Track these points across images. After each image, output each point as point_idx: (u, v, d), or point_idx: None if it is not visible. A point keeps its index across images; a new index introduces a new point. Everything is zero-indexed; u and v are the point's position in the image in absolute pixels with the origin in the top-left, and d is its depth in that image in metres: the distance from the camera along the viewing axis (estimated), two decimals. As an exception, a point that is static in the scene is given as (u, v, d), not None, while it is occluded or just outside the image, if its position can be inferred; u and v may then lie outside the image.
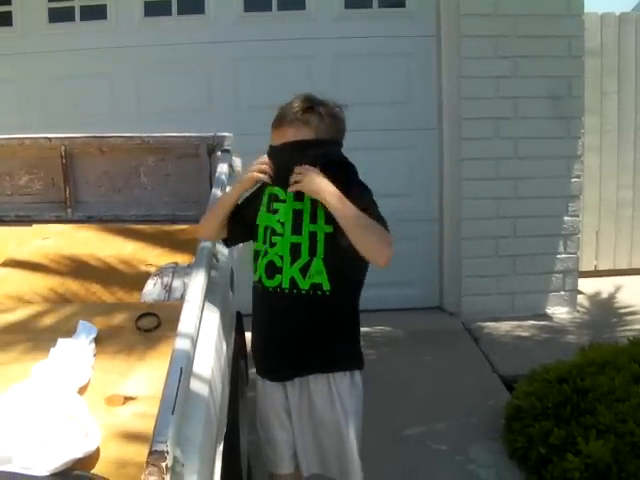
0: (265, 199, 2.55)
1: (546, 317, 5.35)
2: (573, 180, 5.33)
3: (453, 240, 5.42)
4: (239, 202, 2.62)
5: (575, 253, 5.43)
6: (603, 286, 5.92)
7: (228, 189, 3.07)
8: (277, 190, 2.50)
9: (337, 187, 2.36)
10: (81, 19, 5.22)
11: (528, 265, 5.35)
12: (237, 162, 3.81)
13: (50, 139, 3.95)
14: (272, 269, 2.48)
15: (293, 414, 2.58)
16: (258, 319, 2.60)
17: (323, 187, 2.36)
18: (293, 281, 2.45)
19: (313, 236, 2.43)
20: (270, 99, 4.90)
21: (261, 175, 2.50)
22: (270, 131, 2.53)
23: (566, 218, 5.35)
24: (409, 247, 5.37)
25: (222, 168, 3.38)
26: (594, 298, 5.76)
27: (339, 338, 2.56)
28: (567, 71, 5.20)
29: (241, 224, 2.62)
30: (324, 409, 2.54)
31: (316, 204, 2.42)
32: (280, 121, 2.50)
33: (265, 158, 2.52)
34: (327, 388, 2.53)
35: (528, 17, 5.11)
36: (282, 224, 2.47)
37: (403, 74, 5.37)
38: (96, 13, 5.20)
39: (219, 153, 3.72)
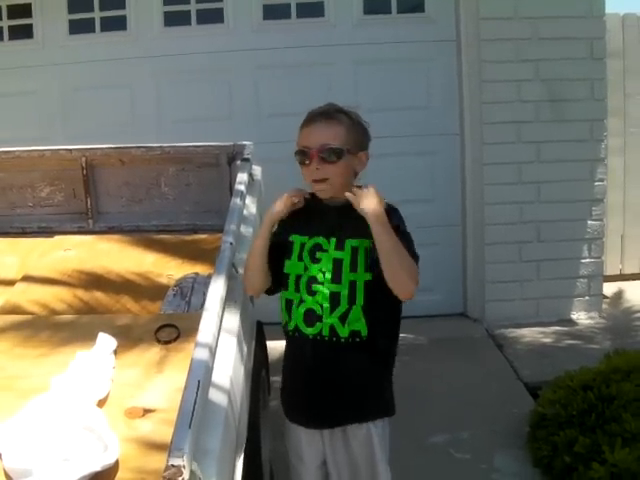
0: (296, 247, 2.51)
1: (571, 322, 5.29)
2: (597, 183, 5.27)
3: (476, 245, 5.39)
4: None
5: (599, 257, 5.37)
6: (629, 290, 5.86)
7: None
8: (320, 240, 2.47)
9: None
10: (101, 30, 5.24)
11: (552, 270, 5.30)
12: (257, 171, 3.81)
13: (71, 150, 3.97)
14: (312, 317, 2.46)
15: (327, 453, 2.60)
16: (293, 367, 2.59)
17: (372, 207, 2.34)
18: (333, 329, 2.44)
19: (353, 285, 2.43)
20: (290, 107, 4.96)
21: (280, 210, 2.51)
22: (297, 136, 2.50)
23: (590, 222, 5.30)
24: (432, 253, 5.33)
25: (242, 177, 3.38)
26: (619, 303, 5.70)
27: (377, 384, 2.57)
28: (589, 73, 5.14)
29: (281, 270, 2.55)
30: (359, 446, 2.55)
31: (357, 253, 2.43)
32: (312, 119, 2.48)
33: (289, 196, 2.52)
34: (363, 431, 2.54)
35: (549, 19, 5.06)
36: (323, 273, 2.45)
37: (423, 79, 5.35)
38: (116, 24, 5.21)
39: (239, 162, 3.72)
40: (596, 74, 5.17)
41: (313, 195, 2.55)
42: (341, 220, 2.47)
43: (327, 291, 2.44)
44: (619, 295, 5.79)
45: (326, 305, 2.44)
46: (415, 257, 2.40)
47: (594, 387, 3.46)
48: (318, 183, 2.46)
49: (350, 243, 2.43)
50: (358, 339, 2.45)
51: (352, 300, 2.43)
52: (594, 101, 5.19)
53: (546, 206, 5.22)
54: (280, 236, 2.55)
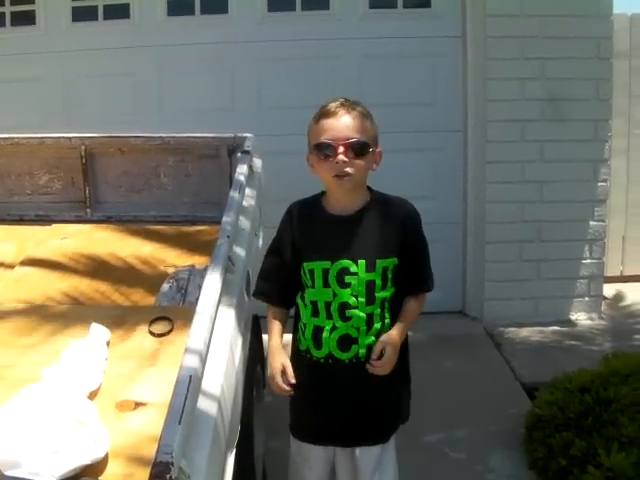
0: (318, 274, 2.41)
1: (570, 323, 5.26)
2: (599, 184, 5.23)
3: (477, 244, 5.35)
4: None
5: (600, 258, 5.35)
6: (629, 292, 5.81)
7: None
8: (346, 263, 2.39)
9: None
10: (104, 18, 5.20)
11: (552, 270, 5.26)
12: (257, 163, 3.78)
13: (70, 139, 3.96)
14: (348, 342, 2.41)
15: (337, 461, 2.60)
16: (321, 392, 2.50)
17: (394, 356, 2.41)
18: (369, 348, 2.41)
19: (383, 302, 2.42)
20: (293, 100, 4.98)
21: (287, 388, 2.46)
22: (312, 129, 2.43)
23: (592, 222, 5.27)
24: (431, 250, 5.29)
25: (242, 169, 3.35)
26: (619, 304, 5.66)
27: (405, 389, 2.65)
28: (595, 73, 5.10)
29: (288, 282, 2.53)
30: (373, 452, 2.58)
31: (387, 272, 2.41)
32: (335, 111, 2.38)
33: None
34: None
35: (555, 18, 5.01)
36: (356, 297, 2.39)
37: (428, 75, 5.30)
38: (119, 12, 5.17)
39: (239, 154, 3.69)
40: (602, 74, 5.12)
41: (310, 205, 2.52)
42: (361, 235, 2.42)
43: (363, 314, 2.40)
44: (619, 297, 5.75)
45: (362, 328, 2.40)
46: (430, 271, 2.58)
47: (592, 390, 3.43)
48: (341, 178, 2.36)
49: (382, 264, 2.39)
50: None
51: (383, 316, 2.43)
52: (599, 101, 5.15)
53: (548, 206, 5.19)
54: (291, 257, 2.49)
